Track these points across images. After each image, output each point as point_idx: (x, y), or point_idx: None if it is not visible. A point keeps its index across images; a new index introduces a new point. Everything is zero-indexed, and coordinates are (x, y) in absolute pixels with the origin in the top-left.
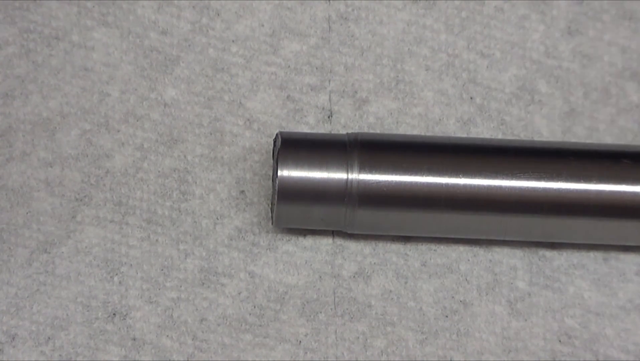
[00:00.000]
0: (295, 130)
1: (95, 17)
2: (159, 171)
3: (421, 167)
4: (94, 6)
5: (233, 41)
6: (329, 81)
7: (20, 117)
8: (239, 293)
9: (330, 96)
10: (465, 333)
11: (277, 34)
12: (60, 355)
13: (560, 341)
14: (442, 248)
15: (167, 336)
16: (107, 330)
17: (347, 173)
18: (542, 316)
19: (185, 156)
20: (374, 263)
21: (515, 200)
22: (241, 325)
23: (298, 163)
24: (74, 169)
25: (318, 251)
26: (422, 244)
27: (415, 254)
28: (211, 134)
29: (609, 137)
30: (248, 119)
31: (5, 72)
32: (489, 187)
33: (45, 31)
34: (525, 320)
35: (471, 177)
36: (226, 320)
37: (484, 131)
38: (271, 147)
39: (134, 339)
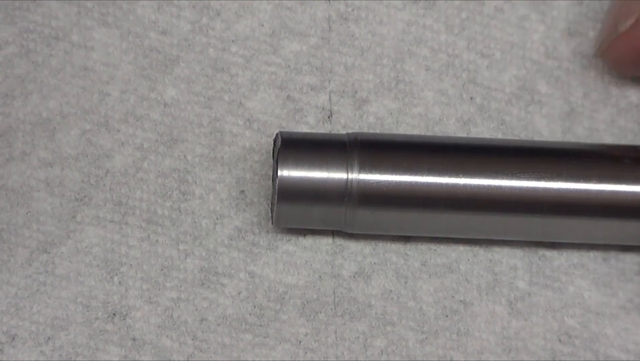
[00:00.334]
0: (295, 130)
1: (95, 17)
2: (158, 171)
3: (421, 167)
4: (94, 6)
5: (233, 41)
6: (329, 80)
7: (20, 117)
8: (239, 293)
9: (330, 96)
10: (465, 332)
11: (277, 34)
12: (60, 355)
13: (560, 340)
14: (442, 248)
15: (167, 336)
16: (107, 330)
17: (347, 173)
18: (542, 315)
19: (185, 156)
20: (374, 263)
21: (516, 200)
22: (241, 325)
23: (298, 163)
24: (73, 169)
25: (318, 251)
26: (422, 244)
27: (415, 254)
28: (211, 134)
29: (609, 137)
30: (248, 119)
31: (5, 72)
32: (489, 187)
33: (45, 31)
34: (526, 320)
35: (471, 177)
36: (226, 319)
37: (484, 130)
38: (271, 147)
39: (134, 339)
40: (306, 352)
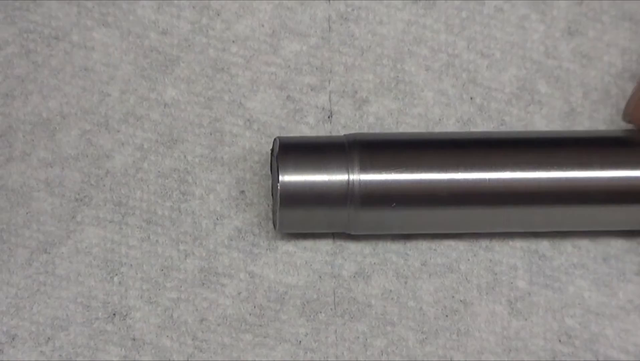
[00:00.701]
0: (296, 130)
1: (95, 17)
2: (159, 171)
3: (421, 164)
4: (94, 6)
5: (233, 41)
6: (329, 81)
7: (20, 118)
8: (239, 293)
9: (330, 96)
10: (465, 332)
11: (277, 34)
12: (60, 355)
13: (560, 341)
14: (442, 248)
15: (167, 336)
16: (107, 330)
17: (348, 174)
18: (542, 315)
19: (185, 156)
20: (374, 263)
21: (517, 191)
22: (241, 325)
23: (298, 167)
24: (74, 170)
25: (318, 251)
26: (422, 244)
27: (415, 254)
28: (211, 134)
29: None
30: (248, 119)
31: (5, 72)
32: (490, 180)
33: (45, 31)
34: (526, 320)
35: (472, 171)
36: (226, 320)
37: (484, 130)
38: (271, 147)
39: (134, 339)
40: (306, 352)
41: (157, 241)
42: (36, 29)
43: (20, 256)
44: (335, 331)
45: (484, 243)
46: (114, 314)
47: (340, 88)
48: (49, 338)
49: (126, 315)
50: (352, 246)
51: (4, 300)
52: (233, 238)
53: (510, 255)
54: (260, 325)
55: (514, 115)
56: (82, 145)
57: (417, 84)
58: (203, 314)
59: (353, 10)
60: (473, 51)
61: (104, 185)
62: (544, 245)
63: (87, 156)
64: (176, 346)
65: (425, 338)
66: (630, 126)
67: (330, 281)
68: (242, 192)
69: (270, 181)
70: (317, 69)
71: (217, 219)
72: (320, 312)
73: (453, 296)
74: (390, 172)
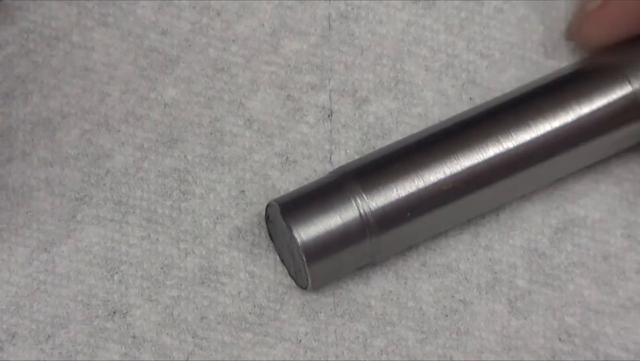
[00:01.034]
0: (296, 129)
1: (95, 17)
2: (159, 171)
3: (418, 168)
4: (94, 6)
5: (233, 41)
6: (329, 79)
7: (20, 117)
8: (239, 293)
9: (330, 95)
10: (465, 332)
11: (277, 34)
12: (60, 353)
13: (560, 339)
14: (441, 248)
15: (167, 334)
16: (107, 328)
17: (358, 207)
18: (542, 314)
19: (185, 156)
20: (374, 264)
21: (516, 157)
22: (241, 324)
23: (309, 221)
24: (74, 169)
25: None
26: (421, 244)
27: (414, 254)
28: (211, 133)
29: None
30: (248, 119)
31: (5, 72)
32: (488, 157)
33: (45, 31)
34: (525, 318)
35: (467, 154)
36: (226, 318)
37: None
38: (271, 147)
39: (134, 337)
40: (306, 351)
41: (157, 239)
42: (36, 29)
43: (21, 255)
44: (335, 331)
45: (484, 242)
46: (114, 312)
47: (340, 87)
48: (49, 336)
49: (126, 312)
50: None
51: (4, 298)
52: (233, 238)
53: (510, 254)
54: (260, 324)
55: None
56: (82, 145)
57: (417, 84)
58: (203, 312)
59: (353, 9)
60: (472, 52)
61: (104, 184)
62: (543, 243)
63: (87, 156)
64: (176, 344)
65: (425, 337)
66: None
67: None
68: (242, 191)
69: (272, 242)
70: (317, 68)
71: (217, 218)
72: (320, 312)
73: (453, 296)
74: (393, 188)
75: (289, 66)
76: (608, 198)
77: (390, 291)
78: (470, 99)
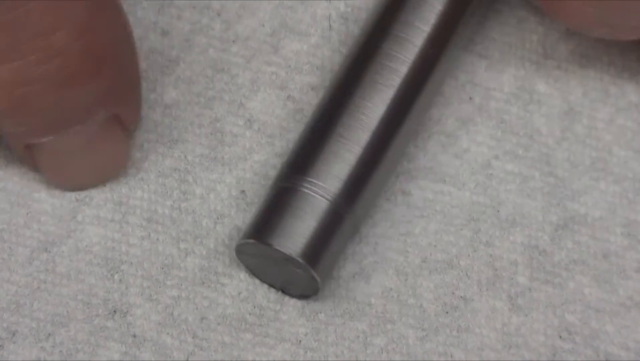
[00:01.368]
0: (296, 130)
1: None
2: (159, 171)
3: (341, 130)
4: None
5: (233, 41)
6: (330, 80)
7: None
8: (239, 293)
9: None
10: (465, 329)
11: (277, 34)
12: (60, 351)
13: (560, 337)
14: (442, 244)
15: (168, 333)
16: (107, 327)
17: (322, 197)
18: (543, 311)
19: (185, 156)
20: (374, 262)
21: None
22: (241, 325)
23: (293, 237)
24: None
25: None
26: (422, 240)
27: (415, 251)
28: (211, 134)
29: (608, 135)
30: (248, 119)
31: None
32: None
33: None
34: (526, 316)
35: (384, 95)
36: (226, 319)
37: (483, 129)
38: (272, 147)
39: (135, 336)
40: (306, 351)
41: (157, 239)
42: None
43: (21, 255)
44: (335, 330)
45: (484, 238)
46: (115, 311)
47: None
48: (49, 334)
49: (127, 312)
50: (352, 247)
51: (4, 297)
52: (233, 238)
53: (511, 251)
54: (260, 325)
55: (513, 114)
56: None
57: None
58: (203, 313)
59: (353, 10)
60: (472, 52)
61: (105, 185)
62: (544, 241)
63: None
64: (176, 344)
65: (426, 335)
66: None
67: (330, 282)
68: (243, 192)
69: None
70: (317, 68)
71: (218, 218)
72: (320, 312)
73: (453, 293)
74: (336, 160)
75: (290, 66)
76: (608, 196)
77: (391, 289)
78: (470, 98)
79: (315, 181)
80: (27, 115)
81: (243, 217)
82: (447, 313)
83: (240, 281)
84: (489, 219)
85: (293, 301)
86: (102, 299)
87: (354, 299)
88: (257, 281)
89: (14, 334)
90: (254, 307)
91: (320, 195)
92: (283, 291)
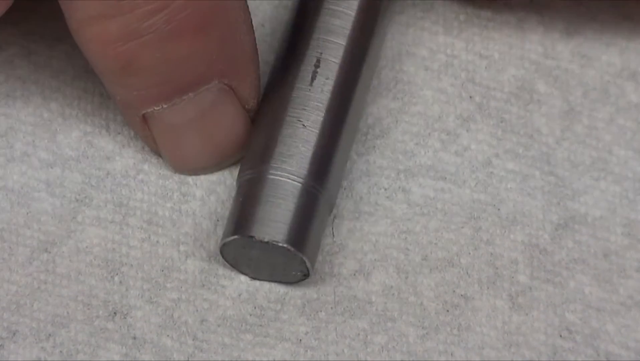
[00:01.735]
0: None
1: None
2: (159, 173)
3: (294, 115)
4: None
5: None
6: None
7: (21, 118)
8: (240, 295)
9: None
10: (466, 327)
11: (277, 34)
12: (61, 352)
13: (561, 336)
14: (443, 242)
15: (168, 335)
16: (107, 328)
17: (293, 180)
18: (543, 310)
19: None
20: (375, 260)
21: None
22: (241, 326)
23: (277, 224)
24: (74, 171)
25: (318, 251)
26: (422, 238)
27: (416, 249)
28: None
29: (608, 135)
30: None
31: (6, 72)
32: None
33: (46, 33)
34: (527, 314)
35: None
36: (226, 320)
37: (484, 128)
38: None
39: (135, 338)
40: (307, 350)
41: (157, 241)
42: (37, 31)
43: (21, 255)
44: (336, 329)
45: (485, 236)
46: (115, 313)
47: None
48: (49, 335)
49: (127, 313)
50: (352, 245)
51: (4, 297)
52: None
53: (511, 249)
54: (261, 325)
55: (514, 113)
56: (82, 146)
57: (416, 84)
58: (203, 315)
59: None
60: (472, 52)
61: (105, 186)
62: (544, 239)
63: (87, 158)
64: (177, 346)
65: (426, 333)
66: None
67: (331, 280)
68: None
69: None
70: None
71: (218, 220)
72: (321, 311)
73: (454, 291)
74: (300, 145)
75: None
76: (608, 196)
77: (391, 287)
78: (470, 97)
79: (281, 166)
80: (135, 73)
81: None
82: (447, 311)
83: (241, 283)
84: (490, 218)
85: (293, 301)
86: (102, 300)
87: (354, 297)
88: (258, 283)
89: (14, 334)
90: (255, 308)
91: (291, 179)
92: (280, 282)
